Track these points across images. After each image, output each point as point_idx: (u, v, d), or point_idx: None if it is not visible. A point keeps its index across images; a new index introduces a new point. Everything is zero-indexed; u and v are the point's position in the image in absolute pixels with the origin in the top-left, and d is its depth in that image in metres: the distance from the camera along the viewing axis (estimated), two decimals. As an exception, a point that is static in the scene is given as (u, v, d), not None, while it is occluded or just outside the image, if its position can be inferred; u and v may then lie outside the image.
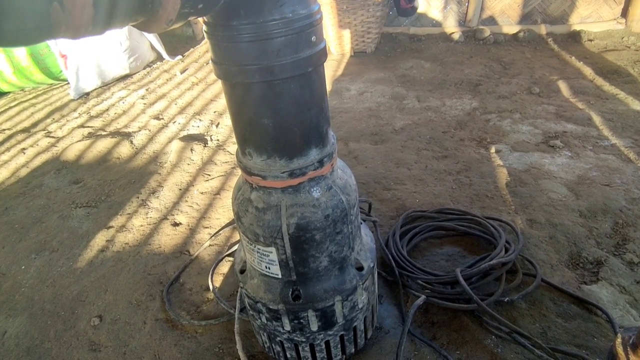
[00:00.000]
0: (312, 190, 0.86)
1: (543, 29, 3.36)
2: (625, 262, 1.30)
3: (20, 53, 3.19)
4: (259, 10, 0.66)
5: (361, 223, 1.11)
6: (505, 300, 1.17)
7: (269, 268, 0.94)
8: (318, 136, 0.83)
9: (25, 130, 2.80)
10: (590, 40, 3.15)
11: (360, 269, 1.00)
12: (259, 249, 0.92)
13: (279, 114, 0.76)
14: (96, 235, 1.72)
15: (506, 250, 1.31)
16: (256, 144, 0.81)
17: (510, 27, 3.45)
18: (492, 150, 1.97)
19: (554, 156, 1.87)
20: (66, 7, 0.41)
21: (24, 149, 2.53)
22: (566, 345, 1.07)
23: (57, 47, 3.10)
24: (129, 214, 1.83)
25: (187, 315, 1.30)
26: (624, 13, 3.25)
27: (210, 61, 0.77)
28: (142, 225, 1.74)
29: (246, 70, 0.71)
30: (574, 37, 3.23)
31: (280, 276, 0.94)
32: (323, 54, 0.77)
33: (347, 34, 3.31)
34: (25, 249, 1.69)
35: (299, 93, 0.76)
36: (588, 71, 2.69)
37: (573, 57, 2.93)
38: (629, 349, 0.84)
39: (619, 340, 0.87)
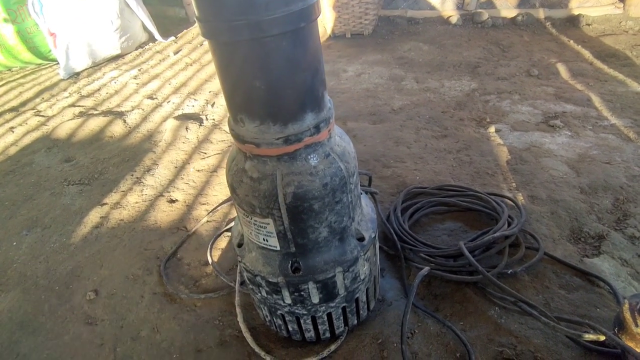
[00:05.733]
0: (309, 157, 0.81)
1: (541, 13, 3.34)
2: (627, 237, 1.30)
3: (7, 31, 3.08)
4: None
5: (361, 194, 1.09)
6: (509, 272, 1.17)
7: (267, 240, 0.91)
8: (314, 99, 0.78)
9: (13, 109, 2.72)
10: (589, 25, 3.13)
11: (361, 239, 0.98)
12: (255, 220, 0.88)
13: (271, 75, 0.71)
14: (90, 212, 1.67)
15: (509, 225, 1.30)
16: (248, 108, 0.76)
17: (508, 11, 3.42)
18: (492, 129, 1.96)
19: (554, 135, 1.86)
20: None
21: (12, 127, 2.46)
22: (569, 315, 1.07)
23: (45, 24, 3.00)
24: (123, 191, 1.78)
25: (185, 289, 1.28)
26: (622, -2, 3.23)
27: (195, 20, 0.70)
28: (137, 202, 1.70)
29: (233, 26, 0.65)
30: (572, 21, 3.22)
31: (278, 248, 0.91)
32: (316, 7, 0.71)
33: (344, 15, 3.25)
34: (16, 225, 1.65)
35: (291, 51, 0.70)
36: (586, 54, 2.68)
37: (571, 41, 2.91)
38: (636, 314, 0.84)
39: (626, 306, 0.87)
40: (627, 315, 0.85)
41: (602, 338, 0.89)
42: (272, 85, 0.72)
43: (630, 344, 0.84)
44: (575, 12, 3.27)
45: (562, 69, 2.53)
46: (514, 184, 1.58)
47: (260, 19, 0.65)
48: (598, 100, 2.12)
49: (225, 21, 0.66)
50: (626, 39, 2.84)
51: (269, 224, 0.88)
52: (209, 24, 0.68)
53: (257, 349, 1.05)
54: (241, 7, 0.64)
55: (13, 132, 2.41)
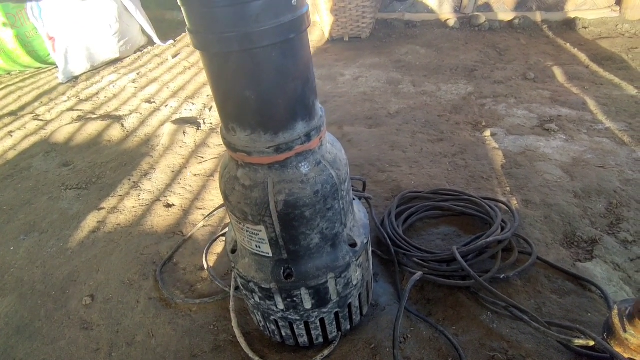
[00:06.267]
0: (300, 165, 0.82)
1: (538, 16, 3.35)
2: (619, 241, 1.31)
3: (7, 35, 3.10)
4: None
5: (354, 199, 1.09)
6: (502, 277, 1.17)
7: (259, 247, 0.92)
8: (304, 108, 0.79)
9: (12, 113, 2.73)
10: (585, 28, 3.15)
11: (353, 245, 0.98)
12: (248, 227, 0.89)
13: (261, 85, 0.72)
14: (87, 216, 1.68)
15: (502, 229, 1.31)
16: (239, 118, 0.77)
17: (505, 14, 3.43)
18: (488, 133, 1.97)
19: (549, 139, 1.87)
20: None
21: (11, 131, 2.47)
22: (561, 320, 1.07)
23: (44, 28, 3.02)
24: (120, 195, 1.79)
25: (181, 294, 1.29)
26: (618, 1, 3.24)
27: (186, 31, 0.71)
28: (134, 207, 1.71)
29: (224, 38, 0.66)
30: (569, 25, 3.23)
31: (271, 255, 0.92)
32: (306, 18, 0.72)
33: (341, 18, 3.26)
34: (13, 230, 1.66)
35: (281, 62, 0.71)
36: (583, 58, 2.69)
37: (568, 44, 2.92)
38: (625, 320, 0.85)
39: (615, 311, 0.87)
40: (616, 320, 0.86)
41: (592, 343, 0.89)
42: (262, 95, 0.73)
43: (619, 350, 0.85)
44: (572, 15, 3.28)
45: (558, 72, 2.54)
46: (508, 188, 1.59)
47: (250, 31, 0.66)
48: (593, 103, 2.13)
49: (216, 33, 0.67)
50: (622, 42, 2.85)
51: (261, 231, 0.88)
52: (199, 36, 0.69)
53: (251, 354, 1.05)
54: (232, 20, 0.65)
55: (11, 136, 2.42)
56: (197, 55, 3.41)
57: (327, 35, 3.43)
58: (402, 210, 1.47)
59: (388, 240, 1.31)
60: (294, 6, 0.68)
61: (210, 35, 0.67)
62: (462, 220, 1.46)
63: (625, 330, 0.84)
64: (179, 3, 0.68)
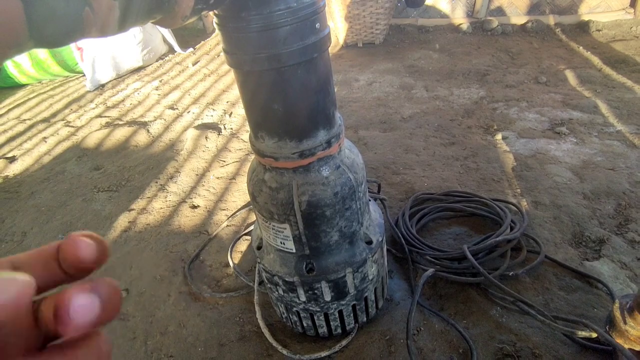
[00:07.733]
0: (322, 169, 0.91)
1: (551, 20, 3.38)
2: (627, 241, 1.35)
3: (38, 46, 3.28)
4: (265, 1, 0.70)
5: (370, 200, 1.18)
6: (510, 274, 1.24)
7: (284, 243, 1.01)
8: (325, 118, 0.88)
9: (45, 120, 2.90)
10: (599, 30, 3.16)
11: (369, 242, 1.07)
12: (273, 225, 0.98)
13: (287, 99, 0.81)
14: (119, 217, 1.80)
15: (511, 229, 1.37)
16: (267, 128, 0.86)
17: (518, 18, 3.47)
18: (499, 137, 2.02)
19: (560, 142, 1.92)
20: (95, 10, 0.44)
21: (45, 137, 2.63)
22: (567, 315, 1.13)
23: (73, 39, 3.19)
24: (148, 197, 1.91)
25: (208, 288, 1.39)
26: (633, 3, 3.25)
27: (222, 51, 0.81)
28: (161, 208, 1.83)
29: (256, 59, 0.75)
30: (582, 28, 3.25)
31: (294, 251, 1.01)
32: (327, 39, 0.81)
33: (355, 25, 3.35)
34: (52, 229, 1.79)
35: (305, 78, 0.80)
36: (595, 60, 2.71)
37: (581, 47, 2.95)
38: (625, 313, 0.91)
39: (616, 305, 0.93)
40: (617, 313, 0.92)
41: (594, 335, 0.95)
42: (288, 107, 0.83)
43: (620, 340, 0.91)
44: (586, 18, 3.30)
45: (570, 75, 2.57)
46: (518, 190, 1.64)
47: (279, 52, 0.75)
48: (605, 106, 2.16)
49: (249, 54, 0.76)
50: (637, 44, 2.86)
51: (285, 228, 0.97)
52: (234, 56, 0.78)
53: (274, 343, 1.14)
54: (263, 42, 0.74)
55: (46, 142, 2.58)
56: (216, 62, 3.54)
57: (341, 41, 3.52)
58: (415, 211, 1.55)
59: (402, 239, 1.39)
60: (317, 29, 0.77)
61: (244, 56, 0.77)
62: (473, 220, 1.52)
63: (625, 323, 0.90)
64: (217, 29, 0.77)
